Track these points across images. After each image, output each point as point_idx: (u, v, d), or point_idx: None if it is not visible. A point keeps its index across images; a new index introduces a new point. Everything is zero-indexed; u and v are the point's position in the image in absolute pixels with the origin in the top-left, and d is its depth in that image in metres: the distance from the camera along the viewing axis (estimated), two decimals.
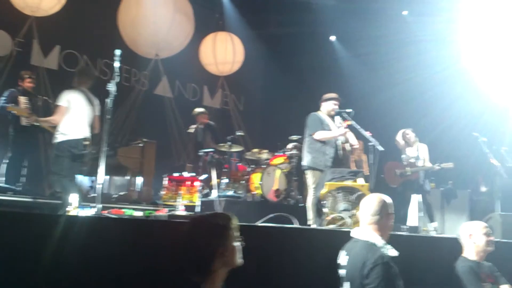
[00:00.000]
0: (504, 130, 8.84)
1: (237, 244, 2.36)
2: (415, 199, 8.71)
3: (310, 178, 6.24)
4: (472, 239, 4.09)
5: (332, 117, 6.45)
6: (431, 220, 7.99)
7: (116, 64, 4.95)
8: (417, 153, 8.35)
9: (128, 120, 9.42)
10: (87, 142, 5.93)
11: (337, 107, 6.41)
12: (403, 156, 8.26)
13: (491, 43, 9.32)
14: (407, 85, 10.26)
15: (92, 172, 6.86)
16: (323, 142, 6.23)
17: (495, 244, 4.23)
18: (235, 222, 2.41)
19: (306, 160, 6.33)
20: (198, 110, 9.28)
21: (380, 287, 2.89)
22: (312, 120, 6.35)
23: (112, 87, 4.76)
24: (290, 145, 8.84)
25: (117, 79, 4.86)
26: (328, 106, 6.43)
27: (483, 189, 9.45)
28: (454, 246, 4.49)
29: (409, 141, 8.32)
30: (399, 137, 8.35)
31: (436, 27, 9.75)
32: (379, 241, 3.12)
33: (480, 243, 4.06)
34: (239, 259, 2.37)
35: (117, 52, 4.98)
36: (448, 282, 4.09)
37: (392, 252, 3.09)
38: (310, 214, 6.00)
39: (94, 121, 6.15)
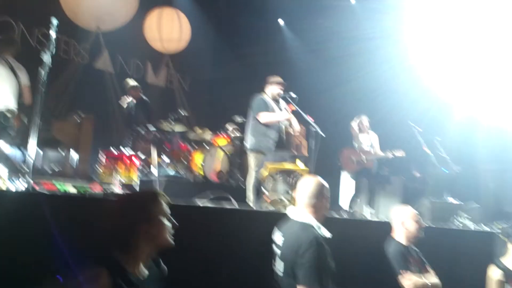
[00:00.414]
0: (448, 124, 9.17)
1: (165, 222, 2.30)
2: (349, 183, 8.95)
3: (252, 160, 6.24)
4: (404, 225, 4.18)
5: (276, 100, 6.45)
6: (372, 206, 8.22)
7: (52, 34, 4.66)
8: (370, 141, 8.55)
9: (66, 94, 9.04)
10: (10, 115, 5.59)
11: (281, 91, 6.42)
12: (355, 143, 8.41)
13: (436, 40, 9.58)
14: (358, 81, 10.41)
15: (24, 144, 6.55)
16: (267, 125, 6.22)
17: (424, 230, 4.36)
18: (164, 200, 2.35)
19: (249, 143, 6.33)
20: (132, 83, 8.76)
21: (313, 267, 2.93)
22: (257, 102, 6.33)
23: (46, 57, 4.49)
24: (230, 127, 8.81)
25: (52, 49, 4.59)
26: (273, 90, 6.43)
27: (417, 174, 9.80)
28: (387, 230, 4.60)
29: (363, 128, 8.53)
30: (354, 124, 8.54)
31: (384, 25, 9.89)
32: (314, 222, 3.16)
33: (411, 229, 4.17)
34: (167, 238, 2.31)
35: (54, 21, 4.68)
36: (379, 264, 4.19)
37: (326, 233, 3.12)
38: (251, 196, 6.00)
39: (23, 92, 5.80)
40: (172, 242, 2.32)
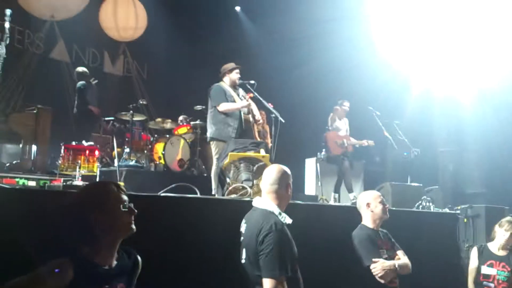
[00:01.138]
0: (404, 103, 9.37)
1: (121, 210, 2.29)
2: (312, 167, 9.09)
3: (214, 149, 6.30)
4: (370, 207, 4.28)
5: (235, 87, 6.50)
6: (350, 191, 8.41)
7: (6, 25, 4.59)
8: (346, 126, 8.71)
9: (21, 85, 8.85)
10: None
11: (239, 75, 6.48)
12: (330, 127, 8.64)
13: (394, 16, 9.70)
14: (319, 63, 10.53)
15: None
16: (226, 113, 6.27)
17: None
18: (120, 188, 2.36)
19: (210, 132, 6.37)
20: (82, 69, 8.64)
21: (273, 252, 2.94)
22: (215, 92, 6.35)
23: (1, 49, 4.42)
24: (180, 117, 8.88)
25: (7, 40, 4.52)
26: (232, 76, 6.47)
27: (377, 159, 10.06)
28: (349, 214, 4.71)
29: (342, 113, 8.76)
30: (337, 108, 8.79)
31: (345, 5, 10.01)
32: (275, 209, 3.19)
33: (376, 211, 4.27)
34: (126, 226, 2.31)
35: (7, 11, 4.62)
36: (345, 249, 4.28)
37: (287, 219, 3.16)
38: (213, 184, 6.05)
39: None
40: (134, 228, 2.32)
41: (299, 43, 10.74)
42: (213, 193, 5.95)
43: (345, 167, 8.58)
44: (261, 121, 6.70)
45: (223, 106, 6.24)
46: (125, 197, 2.34)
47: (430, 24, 9.32)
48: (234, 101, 6.36)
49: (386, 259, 4.00)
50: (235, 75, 6.46)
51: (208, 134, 6.44)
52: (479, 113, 8.60)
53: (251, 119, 6.52)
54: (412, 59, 9.60)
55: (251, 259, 3.07)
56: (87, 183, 5.24)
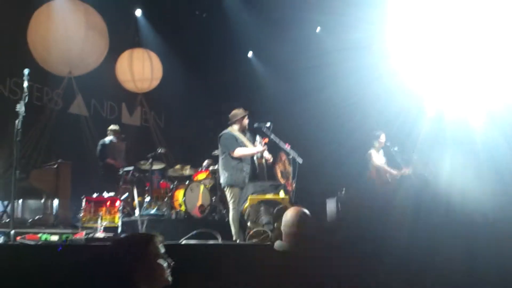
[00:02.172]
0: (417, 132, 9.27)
1: (162, 262, 2.33)
2: (333, 207, 8.91)
3: (229, 195, 6.32)
4: None
5: (243, 132, 6.55)
6: None
7: (25, 84, 4.72)
8: (384, 158, 8.43)
9: (41, 141, 9.00)
10: None
11: (247, 120, 6.57)
12: (374, 165, 8.21)
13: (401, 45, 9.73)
14: (327, 95, 10.59)
15: (3, 196, 6.50)
16: (239, 159, 6.32)
17: None
18: (158, 240, 2.39)
19: (223, 178, 6.41)
20: (112, 127, 9.23)
21: None
22: (227, 139, 6.44)
23: (20, 107, 4.53)
24: (205, 162, 8.89)
25: (25, 99, 4.64)
26: (243, 123, 6.56)
27: None
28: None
29: (380, 146, 8.39)
30: (376, 143, 8.36)
31: (350, 38, 10.11)
32: None
33: None
34: (164, 278, 2.34)
35: (26, 71, 4.76)
36: None
37: None
38: (233, 230, 6.01)
39: None
40: (170, 280, 2.35)
41: (309, 76, 10.80)
42: (234, 238, 5.91)
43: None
44: (271, 160, 6.66)
45: (239, 152, 6.29)
46: (163, 250, 2.38)
47: (445, 48, 9.30)
48: (245, 146, 6.41)
49: None
50: (245, 121, 6.57)
51: (222, 181, 6.47)
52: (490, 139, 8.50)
53: (264, 162, 6.54)
54: (424, 88, 9.55)
55: None
56: (110, 235, 5.27)
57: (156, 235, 2.43)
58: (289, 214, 3.36)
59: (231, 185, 6.27)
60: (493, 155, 8.30)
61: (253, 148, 6.39)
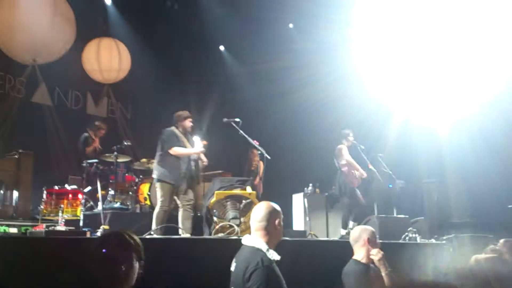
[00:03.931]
0: (386, 135, 9.40)
1: (134, 263, 2.31)
2: (300, 203, 8.98)
3: (159, 190, 6.35)
4: (369, 243, 4.21)
5: (186, 134, 6.68)
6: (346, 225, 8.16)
7: None
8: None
9: (2, 130, 8.74)
10: None
11: (192, 124, 6.72)
12: (343, 160, 8.19)
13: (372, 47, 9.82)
14: (297, 97, 10.64)
15: None
16: (177, 157, 6.41)
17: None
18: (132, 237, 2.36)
19: (157, 173, 6.45)
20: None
21: None
22: (168, 136, 6.53)
23: None
24: None
25: None
26: (185, 124, 6.68)
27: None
28: (339, 249, 4.65)
29: (350, 144, 8.37)
30: (345, 140, 8.36)
31: (321, 38, 10.17)
32: (263, 246, 3.15)
33: (374, 247, 4.21)
34: (133, 279, 2.30)
35: None
36: (335, 284, 4.22)
37: (274, 256, 3.11)
38: (154, 225, 5.98)
39: None
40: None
41: (282, 76, 10.85)
42: (151, 233, 5.76)
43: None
44: (206, 163, 6.81)
45: (177, 150, 6.39)
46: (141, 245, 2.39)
47: (414, 51, 9.42)
48: (185, 146, 6.52)
49: None
50: (188, 123, 6.68)
51: (155, 176, 6.51)
52: (456, 144, 8.71)
53: (200, 163, 6.68)
54: (393, 91, 9.67)
55: None
56: (71, 228, 5.15)
57: (129, 232, 2.38)
58: (258, 208, 3.32)
59: (163, 181, 6.32)
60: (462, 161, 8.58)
61: (191, 149, 6.51)
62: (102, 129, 9.00)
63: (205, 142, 6.59)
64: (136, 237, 2.38)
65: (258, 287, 2.91)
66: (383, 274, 4.09)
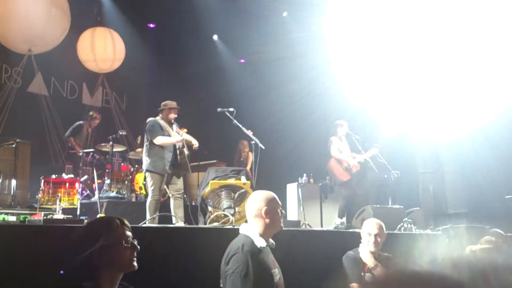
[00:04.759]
0: (378, 127, 9.48)
1: (124, 246, 2.29)
2: (294, 193, 9.04)
3: (149, 180, 6.37)
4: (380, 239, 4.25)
5: (170, 123, 6.66)
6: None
7: None
8: (347, 145, 8.30)
9: None
10: None
11: (176, 116, 6.67)
12: (333, 152, 8.10)
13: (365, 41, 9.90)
14: (292, 87, 10.70)
15: None
16: (162, 147, 6.42)
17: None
18: (120, 223, 2.34)
19: (145, 164, 6.47)
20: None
21: (236, 273, 2.90)
22: (151, 126, 6.50)
23: None
24: None
25: None
26: (169, 115, 6.64)
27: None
28: (333, 239, 4.73)
29: (342, 134, 8.26)
30: (336, 131, 8.26)
31: (314, 28, 10.22)
32: (253, 233, 3.13)
33: (381, 242, 4.25)
34: (128, 262, 2.31)
35: None
36: (329, 274, 4.29)
37: (260, 242, 3.09)
38: (148, 215, 6.06)
39: None
40: (135, 265, 2.32)
41: (276, 66, 10.91)
42: (144, 222, 5.87)
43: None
44: (196, 145, 6.74)
45: (159, 140, 6.37)
46: (128, 233, 2.34)
47: (409, 46, 9.50)
48: (169, 135, 6.51)
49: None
50: (172, 115, 6.64)
51: (144, 167, 6.53)
52: (454, 136, 8.76)
53: (186, 152, 6.64)
54: (389, 81, 9.71)
55: (224, 282, 3.05)
56: (69, 216, 5.24)
57: (120, 218, 2.38)
58: (253, 197, 3.34)
59: (152, 171, 6.35)
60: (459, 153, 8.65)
61: (172, 138, 6.49)
62: (96, 119, 9.04)
63: (184, 130, 6.59)
64: (126, 222, 2.39)
65: (234, 271, 2.91)
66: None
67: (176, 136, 6.49)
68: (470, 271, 3.24)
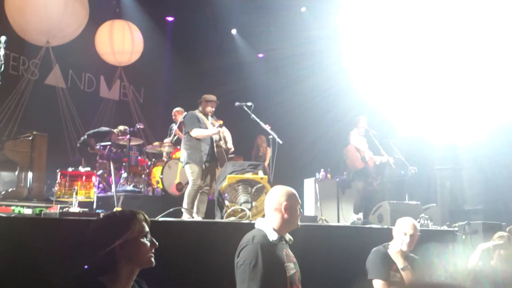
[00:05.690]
0: (396, 123, 9.35)
1: (143, 242, 2.24)
2: (311, 188, 8.96)
3: (188, 172, 6.43)
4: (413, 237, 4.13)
5: (207, 116, 6.73)
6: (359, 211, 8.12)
7: (1, 52, 4.56)
8: (366, 143, 8.30)
9: (17, 112, 8.81)
10: None
11: (213, 109, 6.74)
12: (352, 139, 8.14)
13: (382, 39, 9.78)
14: (310, 83, 10.60)
15: None
16: (199, 139, 6.48)
17: (387, 231, 4.42)
18: (141, 218, 2.28)
19: (183, 156, 6.55)
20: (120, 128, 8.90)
21: (245, 264, 2.89)
22: (189, 118, 6.61)
23: None
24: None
25: (1, 67, 4.49)
26: (207, 108, 6.72)
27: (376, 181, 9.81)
28: (351, 235, 4.64)
29: (362, 130, 8.27)
30: (357, 128, 8.27)
31: (332, 24, 10.10)
32: (266, 227, 3.10)
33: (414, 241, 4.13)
34: (147, 258, 2.25)
35: (2, 38, 4.60)
36: (346, 269, 4.22)
37: (272, 236, 3.05)
38: (186, 204, 6.13)
39: None
40: (153, 261, 2.27)
41: (294, 61, 10.81)
42: (193, 216, 5.89)
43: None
44: (232, 149, 6.91)
45: (196, 132, 6.46)
46: (147, 229, 2.29)
47: (428, 44, 9.36)
48: (206, 128, 6.58)
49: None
50: (209, 108, 6.71)
51: (182, 159, 6.60)
52: (472, 133, 8.66)
53: (222, 145, 6.75)
54: (408, 78, 9.61)
55: (235, 274, 3.02)
56: (85, 209, 5.19)
57: (140, 213, 2.31)
58: (272, 192, 3.30)
59: (189, 163, 6.41)
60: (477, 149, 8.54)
61: (209, 130, 6.56)
62: (121, 135, 8.82)
63: (220, 122, 6.59)
64: (146, 217, 2.33)
65: (244, 262, 2.91)
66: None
67: (212, 129, 6.55)
68: (489, 284, 3.10)
